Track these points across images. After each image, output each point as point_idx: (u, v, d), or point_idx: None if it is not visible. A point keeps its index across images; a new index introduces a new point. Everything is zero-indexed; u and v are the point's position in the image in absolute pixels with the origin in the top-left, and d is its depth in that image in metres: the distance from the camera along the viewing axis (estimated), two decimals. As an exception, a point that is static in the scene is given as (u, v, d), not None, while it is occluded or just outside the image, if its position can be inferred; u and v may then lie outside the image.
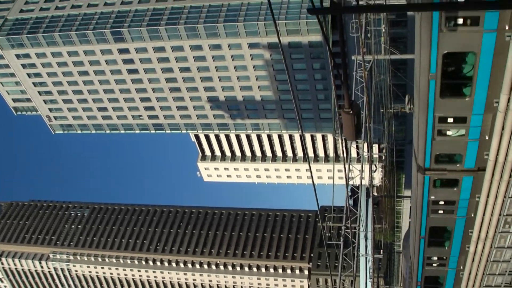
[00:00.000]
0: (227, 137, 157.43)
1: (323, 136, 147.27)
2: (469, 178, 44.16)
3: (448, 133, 40.66)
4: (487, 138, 39.37)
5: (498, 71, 33.95)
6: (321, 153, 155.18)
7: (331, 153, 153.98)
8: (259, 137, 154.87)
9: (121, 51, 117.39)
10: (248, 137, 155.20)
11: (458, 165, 43.24)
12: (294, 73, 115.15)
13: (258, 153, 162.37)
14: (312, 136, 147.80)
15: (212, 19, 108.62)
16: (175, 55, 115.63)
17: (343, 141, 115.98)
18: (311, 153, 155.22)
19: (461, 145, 41.08)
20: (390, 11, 15.56)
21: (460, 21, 31.90)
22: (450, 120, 39.06)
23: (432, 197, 47.23)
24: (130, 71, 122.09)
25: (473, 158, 42.01)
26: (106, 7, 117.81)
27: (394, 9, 14.87)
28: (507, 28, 31.45)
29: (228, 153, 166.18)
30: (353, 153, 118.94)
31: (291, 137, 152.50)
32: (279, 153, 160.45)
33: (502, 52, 32.75)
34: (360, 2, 71.19)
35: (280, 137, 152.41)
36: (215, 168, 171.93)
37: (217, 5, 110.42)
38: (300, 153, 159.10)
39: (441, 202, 48.07)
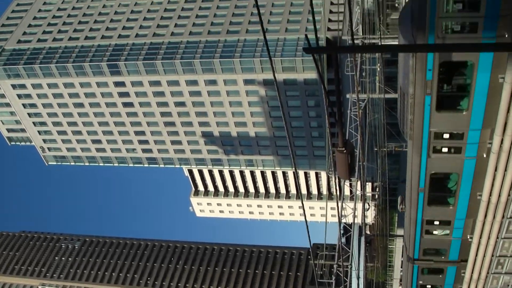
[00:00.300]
0: (221, 172, 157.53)
1: (316, 174, 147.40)
2: (453, 268, 50.12)
3: (435, 232, 46.19)
4: (469, 238, 44.95)
5: (477, 187, 39.35)
6: (314, 191, 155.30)
7: (324, 190, 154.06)
8: (252, 173, 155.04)
9: (117, 84, 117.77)
10: (241, 173, 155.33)
11: (443, 257, 49.05)
12: (289, 110, 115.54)
13: (251, 189, 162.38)
14: (305, 173, 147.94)
15: (209, 55, 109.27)
16: (170, 89, 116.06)
17: (337, 179, 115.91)
18: (304, 190, 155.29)
19: (446, 242, 46.72)
20: (385, 51, 15.74)
21: (445, 149, 37.30)
22: (437, 222, 44.86)
23: (420, 282, 53.13)
24: (125, 104, 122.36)
25: (456, 252, 47.71)
26: (103, 40, 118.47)
27: (389, 49, 15.02)
28: (484, 156, 36.55)
29: (221, 188, 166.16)
30: (346, 191, 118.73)
31: (284, 173, 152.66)
32: (272, 190, 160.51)
33: (481, 172, 37.88)
34: (356, 41, 71.81)
35: (273, 173, 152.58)
36: (207, 204, 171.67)
37: (213, 41, 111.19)
38: (293, 190, 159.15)
39: (428, 286, 54.26)
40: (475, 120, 34.27)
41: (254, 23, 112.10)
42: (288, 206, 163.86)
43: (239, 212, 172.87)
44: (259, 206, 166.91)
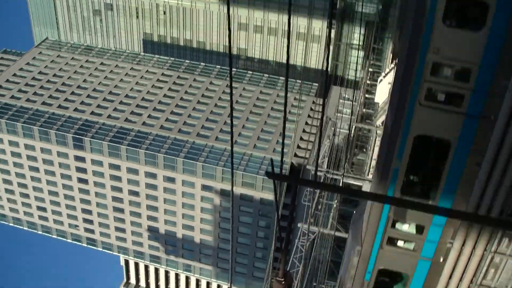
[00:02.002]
0: (156, 270, 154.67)
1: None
2: None
3: None
4: None
5: None
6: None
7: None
8: (187, 279, 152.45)
9: (77, 158, 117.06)
10: (177, 276, 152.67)
11: None
12: (239, 225, 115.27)
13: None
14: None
15: (174, 152, 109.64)
16: (128, 176, 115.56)
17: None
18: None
19: None
20: (343, 193, 15.99)
21: (401, 243, 33.94)
22: None
23: None
24: (80, 180, 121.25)
25: None
26: (75, 112, 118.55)
27: (348, 192, 15.28)
28: (441, 260, 33.67)
29: (152, 286, 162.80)
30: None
31: (219, 286, 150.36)
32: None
33: (434, 277, 34.72)
34: (319, 174, 72.62)
35: (208, 284, 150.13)
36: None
37: (182, 140, 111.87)
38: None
39: None
40: None
41: (224, 132, 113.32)
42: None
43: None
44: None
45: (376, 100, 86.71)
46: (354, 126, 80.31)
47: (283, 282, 15.95)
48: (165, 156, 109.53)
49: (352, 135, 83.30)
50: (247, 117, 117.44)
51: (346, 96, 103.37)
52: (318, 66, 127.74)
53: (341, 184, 68.39)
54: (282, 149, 17.97)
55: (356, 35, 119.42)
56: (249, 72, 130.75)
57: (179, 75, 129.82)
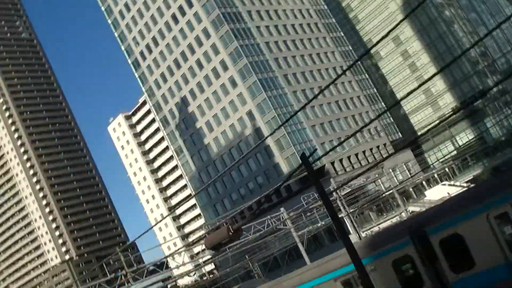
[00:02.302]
0: (156, 130, 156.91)
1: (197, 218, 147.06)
2: None
3: None
4: None
5: None
6: (183, 220, 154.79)
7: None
8: (173, 169, 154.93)
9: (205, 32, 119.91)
10: (165, 148, 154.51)
11: None
12: (242, 163, 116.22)
13: (156, 164, 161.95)
14: (199, 215, 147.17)
15: (256, 69, 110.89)
16: (207, 50, 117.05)
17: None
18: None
19: None
20: (337, 226, 16.49)
21: None
22: None
23: None
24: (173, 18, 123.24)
25: None
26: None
27: (341, 230, 15.83)
28: None
29: (143, 138, 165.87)
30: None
31: (185, 186, 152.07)
32: (169, 192, 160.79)
33: None
34: (334, 193, 72.84)
35: (179, 176, 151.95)
36: (123, 133, 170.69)
37: (271, 67, 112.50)
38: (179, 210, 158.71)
39: None
40: None
41: (305, 95, 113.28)
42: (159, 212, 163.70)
43: (134, 173, 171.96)
44: (145, 179, 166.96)
45: (426, 192, 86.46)
46: (391, 191, 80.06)
47: (231, 233, 16.58)
48: (247, 64, 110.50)
49: (383, 194, 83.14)
50: (330, 102, 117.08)
51: (410, 167, 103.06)
52: (416, 125, 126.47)
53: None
54: (330, 150, 18.59)
55: (465, 137, 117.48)
56: (366, 75, 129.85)
57: (317, 23, 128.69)
